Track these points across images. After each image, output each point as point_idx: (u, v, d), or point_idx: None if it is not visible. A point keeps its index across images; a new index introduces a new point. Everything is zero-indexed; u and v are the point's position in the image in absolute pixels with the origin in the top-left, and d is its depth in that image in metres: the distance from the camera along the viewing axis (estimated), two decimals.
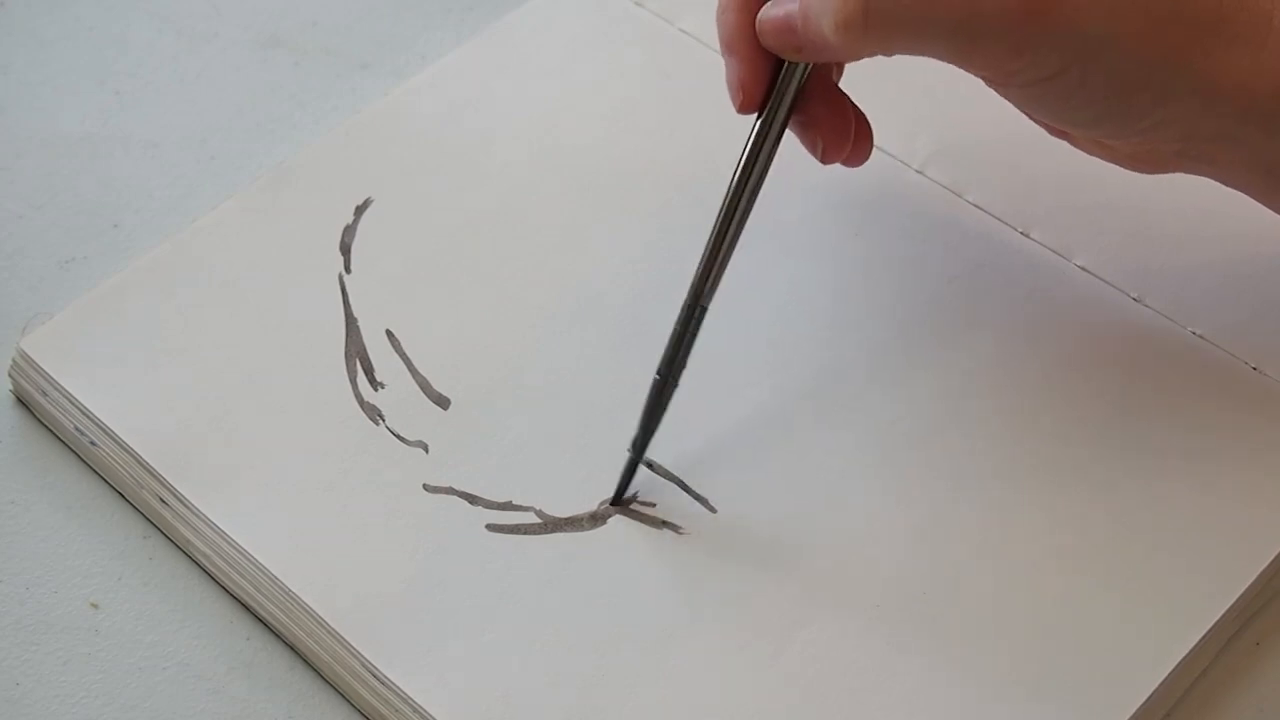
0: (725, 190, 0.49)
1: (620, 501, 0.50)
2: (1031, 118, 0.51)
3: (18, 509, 0.51)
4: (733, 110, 0.59)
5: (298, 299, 0.54)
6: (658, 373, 0.49)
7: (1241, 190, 0.50)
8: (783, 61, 0.48)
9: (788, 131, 0.50)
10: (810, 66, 0.48)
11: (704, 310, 0.49)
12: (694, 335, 0.49)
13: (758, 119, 0.49)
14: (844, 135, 0.50)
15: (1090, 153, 0.51)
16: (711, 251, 0.49)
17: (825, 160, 0.50)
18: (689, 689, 0.46)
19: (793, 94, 0.49)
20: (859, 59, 0.48)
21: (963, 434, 0.51)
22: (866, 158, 0.51)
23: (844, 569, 0.48)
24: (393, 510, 0.49)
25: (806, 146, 0.51)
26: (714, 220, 0.49)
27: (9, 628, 0.49)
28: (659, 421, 0.49)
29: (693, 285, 0.49)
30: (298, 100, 0.62)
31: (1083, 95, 0.46)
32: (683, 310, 0.49)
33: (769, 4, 0.48)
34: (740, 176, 0.49)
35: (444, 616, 0.47)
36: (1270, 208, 0.50)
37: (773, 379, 0.52)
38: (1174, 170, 0.50)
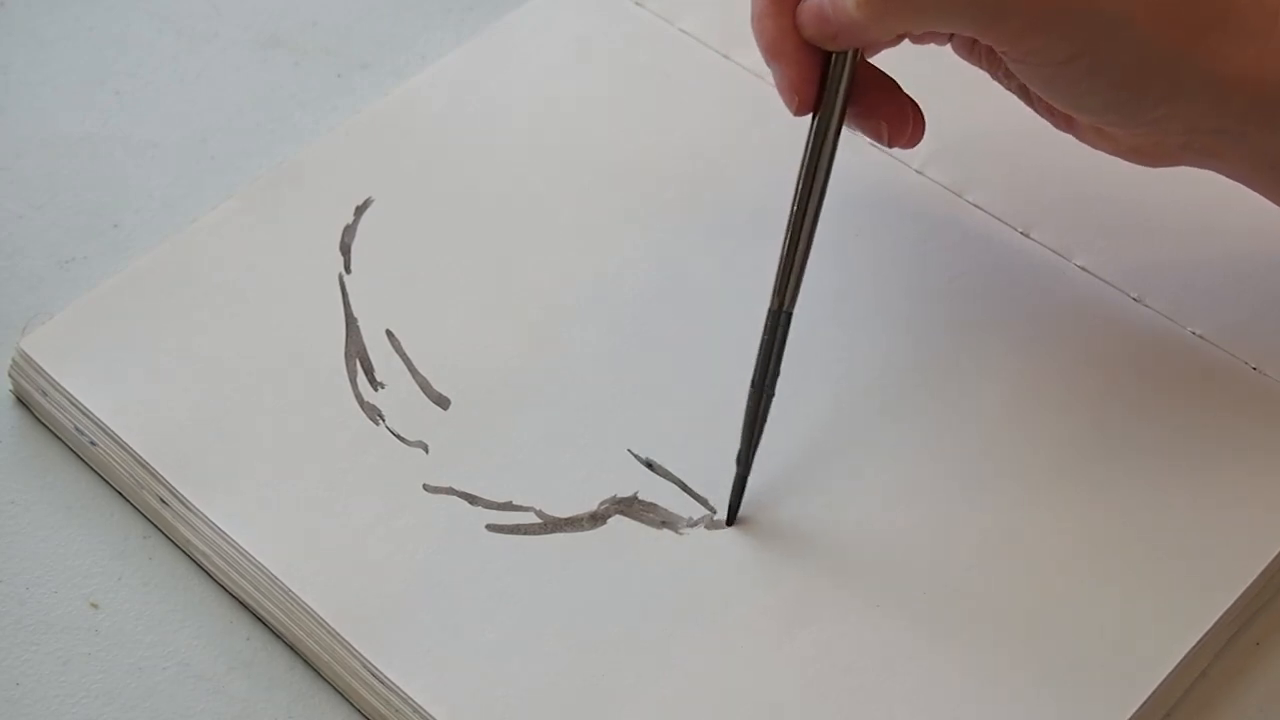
0: (792, 193, 0.49)
1: (734, 521, 0.49)
2: (1039, 108, 0.51)
3: (18, 509, 0.51)
4: (732, 111, 0.59)
5: (298, 299, 0.54)
6: (752, 385, 0.49)
7: (1245, 184, 0.50)
8: (829, 60, 0.49)
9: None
10: (856, 56, 0.49)
11: (789, 316, 0.49)
12: (783, 343, 0.49)
13: (814, 118, 0.49)
14: (904, 117, 0.51)
15: (1093, 144, 0.51)
16: (788, 255, 0.49)
17: (892, 144, 0.51)
18: (689, 689, 0.46)
19: (845, 86, 0.49)
20: (889, 35, 0.48)
21: (962, 434, 0.51)
22: (923, 135, 0.51)
23: (844, 569, 0.48)
24: (393, 510, 0.49)
25: (871, 135, 0.51)
26: (785, 224, 0.49)
27: (9, 628, 0.49)
28: (761, 434, 0.49)
29: (775, 292, 0.49)
30: (298, 100, 0.62)
31: (1094, 81, 0.47)
32: (768, 318, 0.49)
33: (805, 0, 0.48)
34: (806, 177, 0.49)
35: (444, 616, 0.47)
36: (1274, 201, 0.50)
37: None
38: (1177, 163, 0.50)
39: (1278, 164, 0.48)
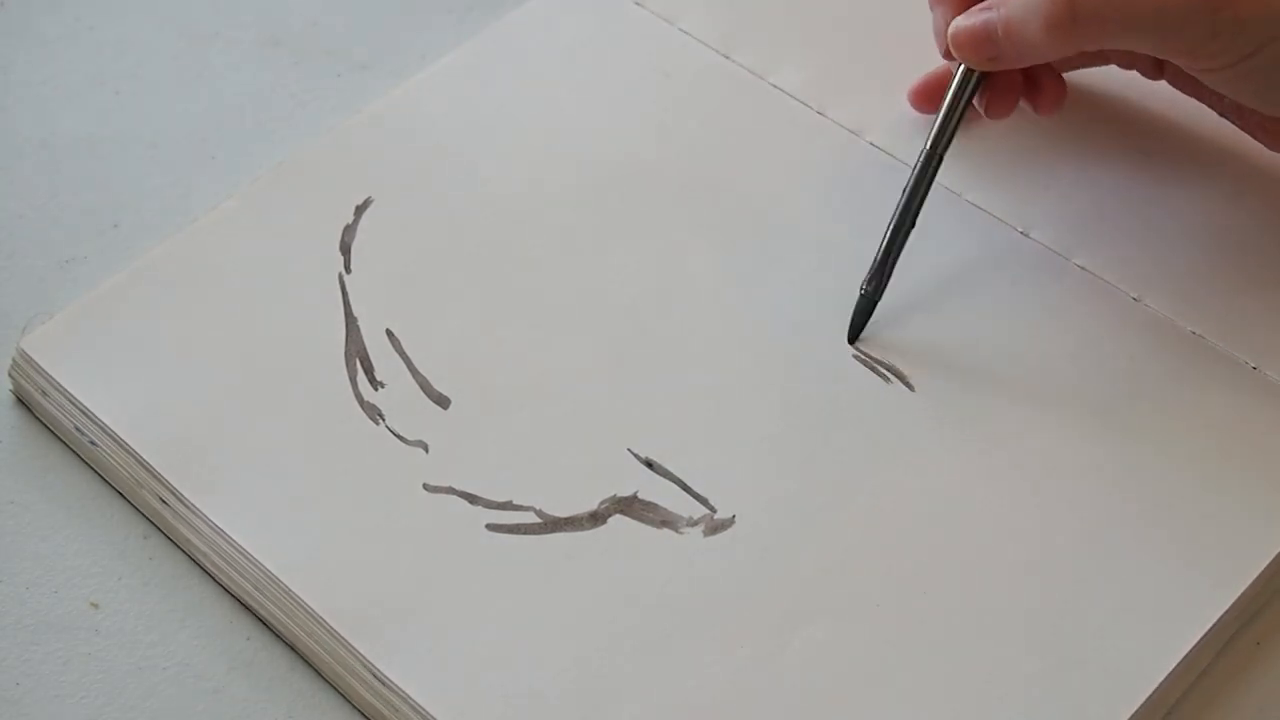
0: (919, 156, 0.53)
1: (855, 340, 0.52)
2: (1233, 115, 0.53)
3: (18, 509, 0.51)
4: (732, 111, 0.59)
5: (298, 299, 0.54)
6: (896, 219, 0.52)
7: None
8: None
9: None
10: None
11: (940, 160, 0.53)
12: (930, 181, 0.53)
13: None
14: (1061, 94, 0.55)
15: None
16: (945, 115, 0.53)
17: (1042, 113, 0.55)
18: (689, 689, 0.46)
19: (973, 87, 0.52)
20: (1064, 56, 0.51)
21: (961, 434, 0.51)
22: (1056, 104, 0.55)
23: (844, 569, 0.48)
24: (393, 510, 0.49)
25: (1029, 102, 0.55)
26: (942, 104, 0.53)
27: (9, 628, 0.49)
28: (895, 264, 0.53)
29: (932, 137, 0.53)
30: (298, 100, 0.62)
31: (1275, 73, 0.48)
32: (921, 158, 0.53)
33: (961, 16, 0.51)
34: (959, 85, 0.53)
35: (444, 616, 0.47)
36: None
37: (772, 379, 0.52)
38: None
39: None
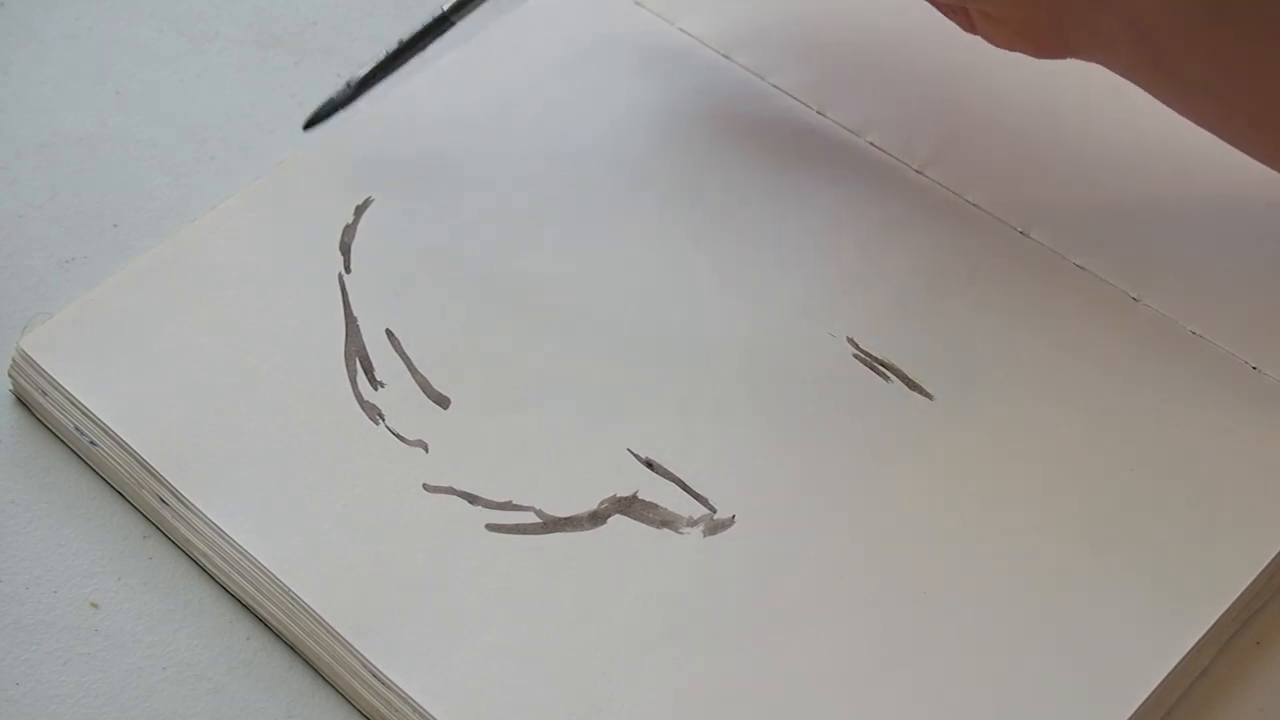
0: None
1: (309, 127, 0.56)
2: (947, 12, 0.52)
3: (18, 509, 0.51)
4: (732, 112, 0.59)
5: (298, 299, 0.54)
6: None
7: (1128, 76, 0.50)
8: None
9: None
10: None
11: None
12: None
13: None
14: None
15: (990, 37, 0.51)
16: None
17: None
18: (689, 689, 0.46)
19: None
20: None
21: (961, 434, 0.51)
22: None
23: (844, 569, 0.48)
24: (393, 510, 0.49)
25: None
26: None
27: (9, 628, 0.49)
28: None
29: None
30: (298, 100, 0.62)
31: None
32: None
33: None
34: None
35: (444, 616, 0.47)
36: (1155, 95, 0.50)
37: (772, 379, 0.52)
38: (1059, 53, 0.50)
39: (1147, 33, 0.48)
